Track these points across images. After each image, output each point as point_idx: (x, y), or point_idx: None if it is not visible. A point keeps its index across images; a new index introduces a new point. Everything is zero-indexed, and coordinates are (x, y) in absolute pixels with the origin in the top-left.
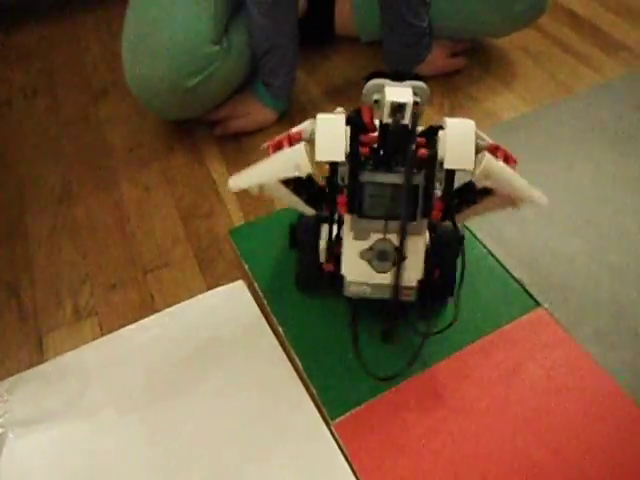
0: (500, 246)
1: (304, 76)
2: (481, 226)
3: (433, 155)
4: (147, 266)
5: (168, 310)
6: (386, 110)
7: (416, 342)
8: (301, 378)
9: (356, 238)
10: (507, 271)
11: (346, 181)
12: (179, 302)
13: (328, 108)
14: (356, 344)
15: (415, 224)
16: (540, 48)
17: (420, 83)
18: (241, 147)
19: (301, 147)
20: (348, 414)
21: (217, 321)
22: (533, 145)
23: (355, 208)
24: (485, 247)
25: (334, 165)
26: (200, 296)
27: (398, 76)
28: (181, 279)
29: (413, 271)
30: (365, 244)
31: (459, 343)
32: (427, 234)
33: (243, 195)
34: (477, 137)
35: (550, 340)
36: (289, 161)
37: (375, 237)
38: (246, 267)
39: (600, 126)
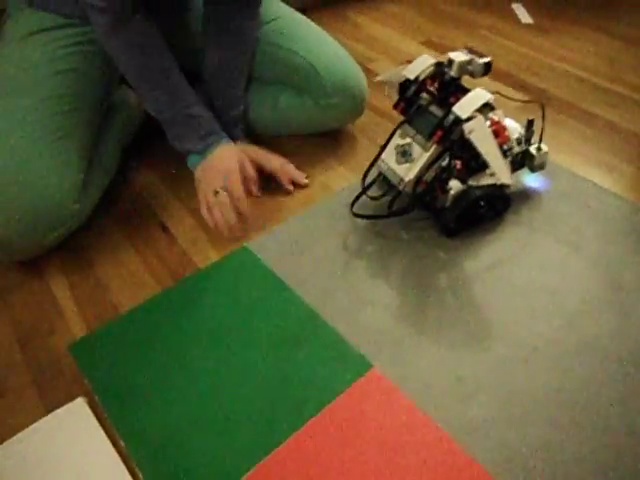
0: (328, 309)
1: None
2: (309, 290)
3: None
4: None
5: (2, 445)
6: (444, 62)
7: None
8: None
9: (399, 136)
10: (338, 334)
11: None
12: (17, 433)
13: (166, 196)
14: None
15: (426, 143)
16: (364, 119)
17: (480, 60)
18: (81, 256)
19: (404, 65)
20: None
21: (57, 446)
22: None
23: (406, 114)
24: (314, 310)
25: (409, 82)
26: (38, 423)
27: (472, 51)
28: (18, 407)
29: (410, 171)
30: (401, 141)
31: (304, 416)
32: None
33: (85, 305)
34: (488, 109)
35: (387, 400)
36: (399, 71)
37: (408, 140)
38: (86, 381)
39: None
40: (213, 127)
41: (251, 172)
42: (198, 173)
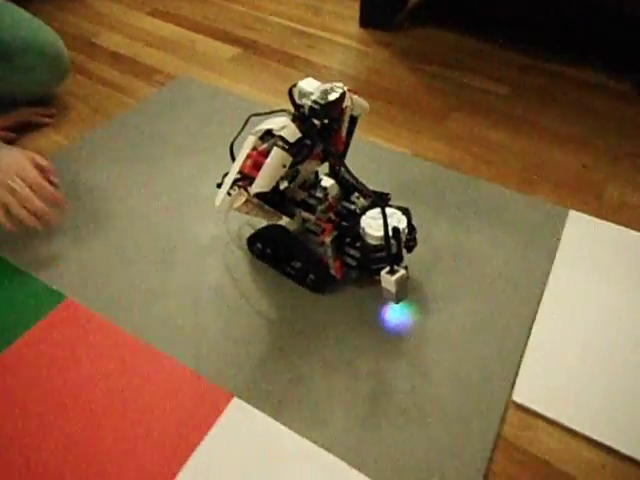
0: (24, 258)
1: None
2: (9, 248)
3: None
4: None
5: None
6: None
7: None
8: None
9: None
10: (31, 276)
11: None
12: None
13: None
14: None
15: None
16: (86, 90)
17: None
18: None
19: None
20: None
21: None
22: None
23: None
24: (8, 261)
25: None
26: None
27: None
28: None
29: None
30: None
31: None
32: None
33: None
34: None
35: (83, 324)
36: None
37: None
38: None
39: (135, 140)
40: None
41: (44, 162)
42: None
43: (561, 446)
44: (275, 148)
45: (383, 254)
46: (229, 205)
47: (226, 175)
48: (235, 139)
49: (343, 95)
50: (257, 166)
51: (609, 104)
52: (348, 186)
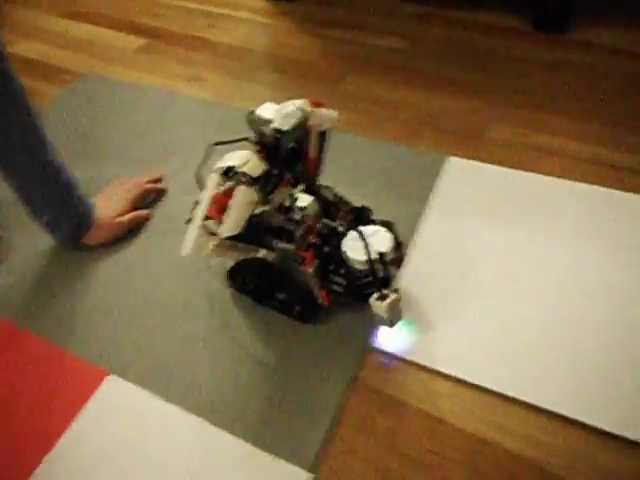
0: None
1: None
2: None
3: None
4: None
5: None
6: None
7: None
8: None
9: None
10: None
11: None
12: None
13: None
14: None
15: None
16: None
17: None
18: None
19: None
20: None
21: None
22: None
23: None
24: None
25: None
26: None
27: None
28: None
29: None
30: None
31: None
32: None
33: None
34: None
35: None
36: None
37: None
38: None
39: None
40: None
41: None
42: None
43: (416, 385)
44: (239, 187)
45: (371, 278)
46: (196, 252)
47: (195, 207)
48: (198, 169)
49: (306, 116)
50: (223, 208)
51: (505, 44)
52: (327, 203)
